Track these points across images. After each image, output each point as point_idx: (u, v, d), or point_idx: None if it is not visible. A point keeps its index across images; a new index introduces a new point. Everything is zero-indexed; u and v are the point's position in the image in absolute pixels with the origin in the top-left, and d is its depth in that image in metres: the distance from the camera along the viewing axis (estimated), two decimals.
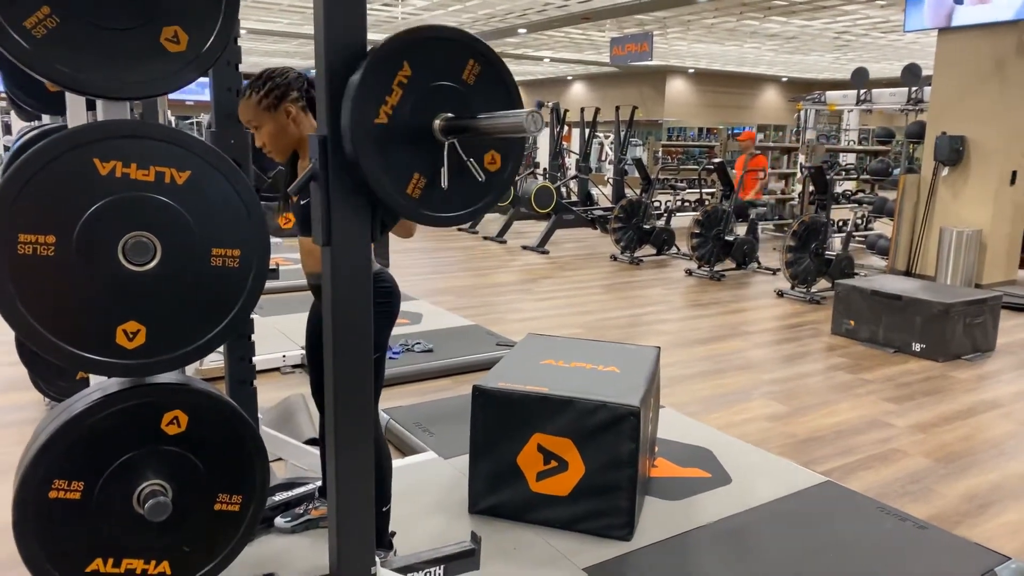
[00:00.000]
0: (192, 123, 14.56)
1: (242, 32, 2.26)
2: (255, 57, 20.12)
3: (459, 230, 10.62)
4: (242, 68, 2.38)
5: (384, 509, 2.18)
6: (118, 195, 1.26)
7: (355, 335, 1.61)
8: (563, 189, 11.33)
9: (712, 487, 2.90)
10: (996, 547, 2.55)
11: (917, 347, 5.00)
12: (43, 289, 1.23)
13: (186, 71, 1.36)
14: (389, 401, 3.79)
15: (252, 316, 2.48)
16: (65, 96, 2.25)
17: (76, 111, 2.13)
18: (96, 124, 1.29)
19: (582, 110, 12.11)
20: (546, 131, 12.89)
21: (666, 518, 2.64)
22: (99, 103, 1.40)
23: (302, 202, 1.99)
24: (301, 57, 20.24)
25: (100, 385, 1.40)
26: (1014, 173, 7.18)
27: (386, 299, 2.15)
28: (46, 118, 3.35)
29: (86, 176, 1.24)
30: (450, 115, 1.51)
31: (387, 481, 2.22)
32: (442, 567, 2.18)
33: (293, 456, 2.79)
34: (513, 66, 21.05)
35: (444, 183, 1.52)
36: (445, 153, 1.51)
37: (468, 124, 1.52)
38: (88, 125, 1.27)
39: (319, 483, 2.55)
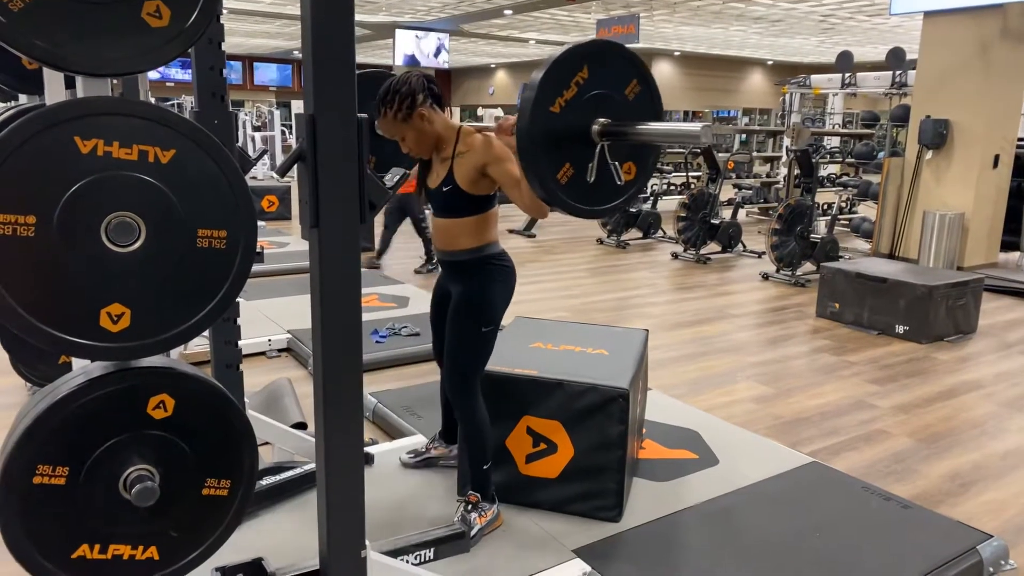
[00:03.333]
0: (173, 104, 14.36)
1: (224, 11, 2.22)
2: (237, 38, 19.81)
3: None
4: (225, 48, 2.33)
5: (485, 468, 2.38)
6: (100, 174, 1.22)
7: (344, 318, 1.60)
8: None
9: (699, 468, 2.91)
10: (978, 525, 2.59)
11: (900, 329, 5.05)
12: (24, 271, 1.20)
13: (168, 47, 1.32)
14: (376, 385, 3.78)
15: (237, 300, 2.45)
16: (43, 74, 2.20)
17: (54, 89, 2.08)
18: (77, 101, 1.25)
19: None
20: None
21: (654, 499, 2.65)
22: (79, 80, 1.36)
23: (444, 188, 2.25)
24: (284, 38, 19.96)
25: (84, 369, 1.37)
26: (996, 157, 7.24)
27: (507, 278, 2.37)
28: (23, 98, 3.28)
29: (67, 155, 1.20)
30: (606, 120, 1.70)
31: (489, 443, 2.40)
32: (432, 550, 2.19)
33: (280, 440, 2.77)
34: (499, 48, 20.91)
35: (591, 178, 1.71)
36: (597, 151, 1.70)
37: (630, 130, 1.72)
38: (68, 102, 1.23)
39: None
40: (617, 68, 1.74)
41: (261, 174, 13.75)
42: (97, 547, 1.36)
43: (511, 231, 9.35)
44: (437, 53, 16.56)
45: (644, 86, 1.76)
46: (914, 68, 7.77)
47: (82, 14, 1.24)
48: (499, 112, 15.78)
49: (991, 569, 2.39)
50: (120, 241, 1.25)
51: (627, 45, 1.81)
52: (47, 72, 2.13)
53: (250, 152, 13.03)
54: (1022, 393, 4.11)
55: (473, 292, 2.33)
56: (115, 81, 3.10)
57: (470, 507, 2.35)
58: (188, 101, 13.69)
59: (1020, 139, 7.75)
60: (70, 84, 2.15)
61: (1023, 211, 7.54)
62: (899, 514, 2.62)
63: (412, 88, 2.22)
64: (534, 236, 9.14)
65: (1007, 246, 7.68)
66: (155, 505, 1.35)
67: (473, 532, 2.30)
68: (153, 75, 21.25)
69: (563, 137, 1.69)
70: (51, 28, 1.22)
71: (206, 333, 2.59)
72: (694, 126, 1.64)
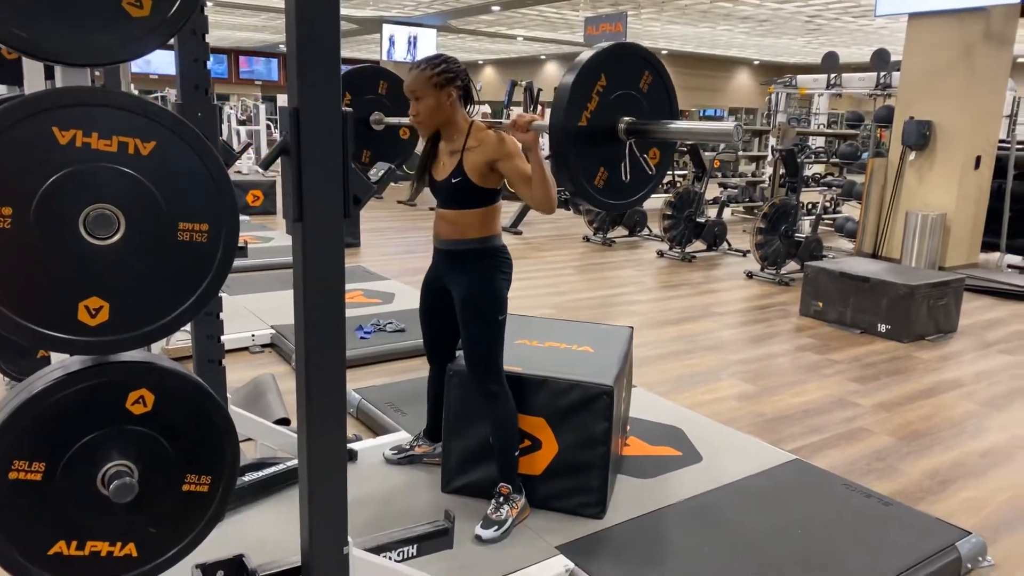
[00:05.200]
0: (156, 97, 14.22)
1: (209, 3, 2.20)
2: (222, 31, 19.65)
3: (431, 209, 10.54)
4: (210, 41, 2.31)
5: (516, 454, 2.42)
6: (79, 165, 1.20)
7: (327, 314, 1.58)
8: None
9: (683, 465, 2.93)
10: (957, 522, 2.62)
11: (883, 328, 5.10)
12: (0, 263, 1.18)
13: (149, 38, 1.30)
14: (361, 381, 3.76)
15: (220, 294, 2.43)
16: (22, 64, 2.17)
17: (34, 79, 2.05)
18: (54, 91, 1.23)
19: (556, 90, 12.03)
20: (518, 110, 12.77)
21: (638, 496, 2.66)
22: (58, 70, 1.34)
23: (454, 180, 2.32)
24: (270, 32, 19.82)
25: (62, 363, 1.35)
26: (978, 158, 7.31)
27: (509, 269, 2.45)
28: (3, 89, 3.23)
29: (44, 145, 1.18)
30: (630, 118, 1.77)
31: (516, 429, 2.43)
32: (415, 546, 2.17)
33: (263, 436, 2.75)
34: (486, 44, 20.87)
35: (626, 177, 1.80)
36: (627, 151, 1.79)
37: (657, 128, 1.79)
38: (46, 91, 1.21)
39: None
40: (630, 66, 1.81)
41: (246, 168, 13.65)
42: (74, 543, 1.34)
43: None
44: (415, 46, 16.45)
45: (656, 76, 1.84)
46: (899, 69, 7.83)
47: (62, 3, 1.22)
48: (486, 108, 15.74)
49: (969, 565, 2.42)
50: (99, 234, 1.23)
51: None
52: (26, 62, 2.10)
53: (234, 146, 12.91)
54: (1001, 392, 4.16)
55: (482, 286, 2.38)
56: (97, 72, 3.06)
57: (502, 499, 2.39)
58: (171, 94, 13.56)
59: (1002, 141, 7.83)
60: (50, 74, 2.12)
61: (1004, 212, 7.62)
62: (879, 511, 2.64)
63: (458, 70, 2.32)
64: (520, 233, 9.14)
65: (988, 246, 7.76)
66: (134, 501, 1.34)
67: (507, 524, 2.35)
68: (139, 67, 20.97)
69: (593, 144, 1.76)
70: (30, 17, 1.20)
71: (188, 327, 2.57)
72: (726, 125, 1.68)
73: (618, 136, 1.78)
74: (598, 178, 1.79)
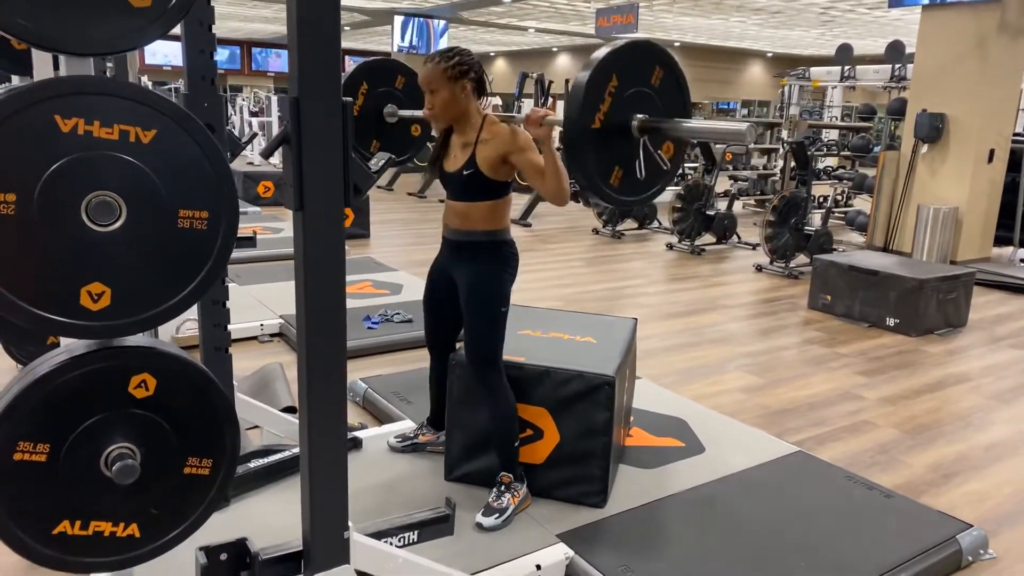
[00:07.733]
0: (169, 88, 14.29)
1: None
2: (234, 23, 19.71)
3: (440, 201, 10.55)
4: (220, 33, 2.33)
5: (516, 444, 2.44)
6: (81, 153, 1.22)
7: (328, 301, 1.61)
8: None
9: (686, 456, 2.94)
10: (959, 515, 2.62)
11: (891, 322, 5.07)
12: (4, 249, 1.20)
13: (151, 28, 1.31)
14: (367, 370, 3.79)
15: (229, 284, 2.46)
16: (31, 54, 2.20)
17: (42, 69, 2.08)
18: (56, 79, 1.25)
19: (567, 82, 12.00)
20: (529, 102, 12.75)
21: (640, 486, 2.68)
22: (62, 59, 1.36)
23: (465, 172, 2.34)
24: (281, 23, 19.85)
25: (67, 347, 1.38)
26: (991, 151, 7.24)
27: (516, 263, 2.46)
28: (16, 79, 3.27)
29: (47, 133, 1.20)
30: (643, 116, 1.77)
31: (516, 419, 2.44)
32: (416, 532, 2.20)
33: (269, 423, 2.79)
34: (497, 36, 20.81)
35: (640, 174, 1.81)
36: (641, 148, 1.79)
37: (670, 126, 1.79)
38: (48, 80, 1.24)
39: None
40: (640, 62, 1.80)
41: (259, 160, 13.71)
42: (78, 523, 1.37)
43: None
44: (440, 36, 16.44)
45: (666, 70, 1.83)
46: (912, 62, 7.76)
47: None
48: (497, 100, 15.71)
49: (970, 558, 2.42)
50: (101, 220, 1.25)
51: (625, 35, 1.83)
52: (35, 52, 2.13)
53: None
54: (1009, 386, 4.14)
55: (487, 279, 2.40)
56: (109, 63, 3.09)
57: (503, 488, 2.41)
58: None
59: (1016, 134, 7.75)
60: (58, 64, 2.15)
61: (1017, 206, 7.55)
62: (881, 503, 2.64)
63: (472, 62, 2.34)
64: (530, 225, 9.13)
65: (1001, 241, 7.69)
66: (136, 483, 1.36)
67: (508, 512, 2.37)
68: (153, 59, 20.93)
69: (607, 143, 1.76)
70: (33, 7, 1.22)
71: (196, 316, 2.60)
72: (739, 125, 1.67)
73: (632, 134, 1.78)
74: (613, 177, 1.79)
